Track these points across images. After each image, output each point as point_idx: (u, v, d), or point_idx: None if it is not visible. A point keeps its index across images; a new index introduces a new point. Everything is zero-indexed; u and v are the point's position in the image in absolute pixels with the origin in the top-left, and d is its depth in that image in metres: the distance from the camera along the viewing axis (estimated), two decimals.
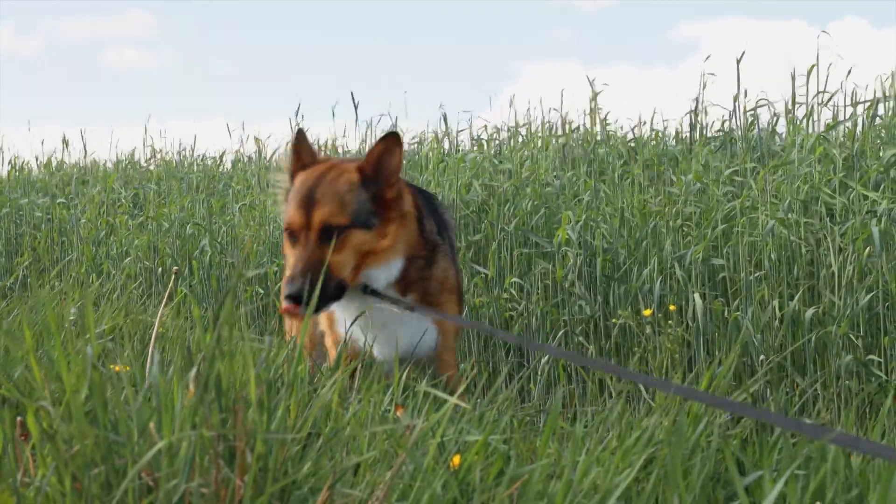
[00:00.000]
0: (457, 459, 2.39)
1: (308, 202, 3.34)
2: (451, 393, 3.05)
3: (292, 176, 3.51)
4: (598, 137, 7.31)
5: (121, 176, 10.44)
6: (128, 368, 2.67)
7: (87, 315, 2.18)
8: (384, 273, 3.44)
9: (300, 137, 3.55)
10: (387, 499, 2.09)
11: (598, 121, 7.10)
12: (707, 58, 6.87)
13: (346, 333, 3.55)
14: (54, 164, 11.95)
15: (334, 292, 3.32)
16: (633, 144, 6.85)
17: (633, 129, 7.31)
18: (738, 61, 5.86)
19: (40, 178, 11.55)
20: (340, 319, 3.68)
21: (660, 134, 6.99)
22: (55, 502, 2.10)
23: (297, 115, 9.13)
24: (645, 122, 7.22)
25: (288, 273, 3.31)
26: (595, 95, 6.84)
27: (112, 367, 2.56)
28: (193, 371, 2.21)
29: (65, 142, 11.65)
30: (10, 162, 12.09)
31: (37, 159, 12.29)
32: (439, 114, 8.50)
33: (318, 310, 3.33)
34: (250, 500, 2.01)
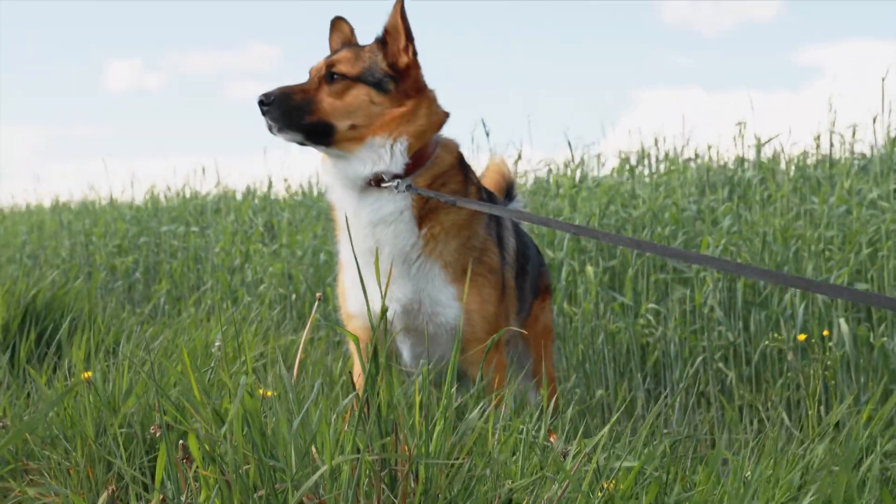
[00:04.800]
0: (610, 486, 2.37)
1: (330, 55, 3.45)
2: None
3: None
4: (732, 163, 7.21)
5: (252, 204, 10.62)
6: (273, 394, 2.71)
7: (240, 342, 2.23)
8: (387, 146, 3.31)
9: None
10: None
11: (733, 145, 7.02)
12: (835, 76, 6.73)
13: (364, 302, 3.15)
14: (188, 193, 12.25)
15: (310, 126, 3.28)
16: (773, 167, 6.73)
17: (767, 151, 7.20)
18: (884, 80, 5.72)
19: (175, 206, 11.82)
20: (352, 287, 3.53)
21: (806, 155, 6.85)
22: None
23: None
24: (776, 145, 7.11)
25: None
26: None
27: (260, 391, 2.60)
28: (351, 397, 2.23)
29: (203, 171, 11.99)
30: (148, 192, 12.44)
31: (169, 188, 12.64)
32: (565, 140, 8.47)
33: (280, 128, 3.28)
34: None
